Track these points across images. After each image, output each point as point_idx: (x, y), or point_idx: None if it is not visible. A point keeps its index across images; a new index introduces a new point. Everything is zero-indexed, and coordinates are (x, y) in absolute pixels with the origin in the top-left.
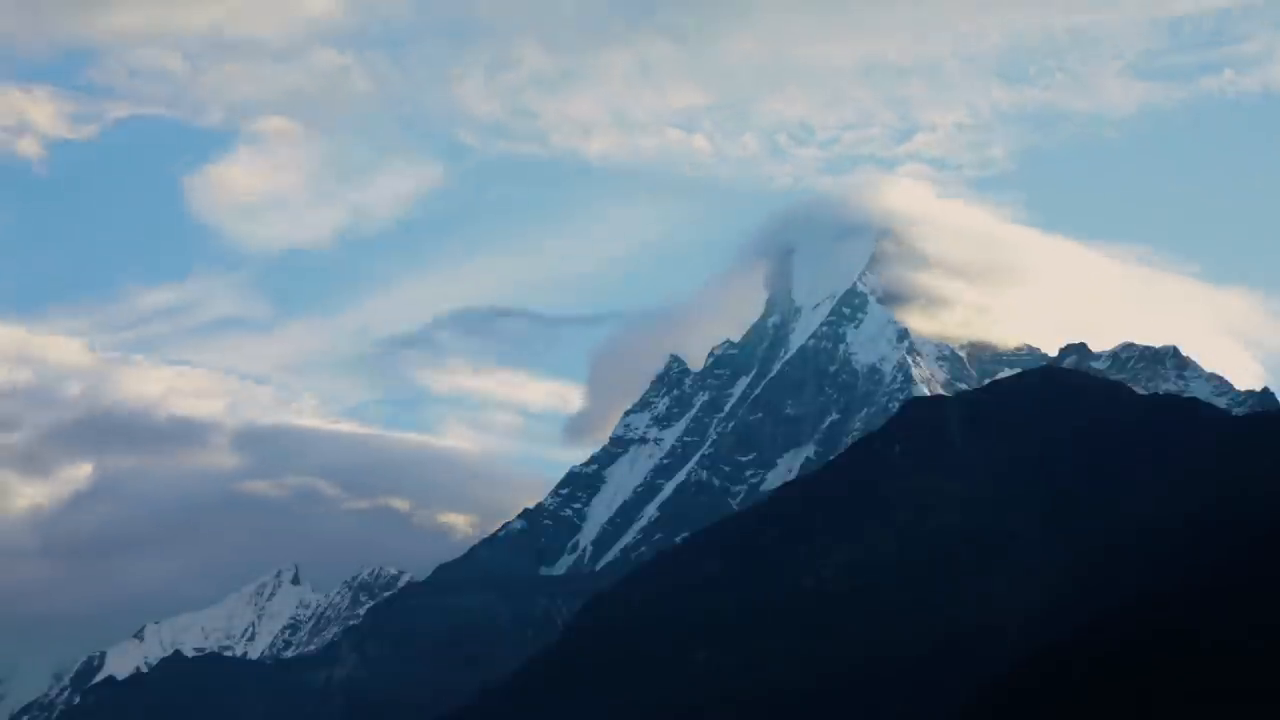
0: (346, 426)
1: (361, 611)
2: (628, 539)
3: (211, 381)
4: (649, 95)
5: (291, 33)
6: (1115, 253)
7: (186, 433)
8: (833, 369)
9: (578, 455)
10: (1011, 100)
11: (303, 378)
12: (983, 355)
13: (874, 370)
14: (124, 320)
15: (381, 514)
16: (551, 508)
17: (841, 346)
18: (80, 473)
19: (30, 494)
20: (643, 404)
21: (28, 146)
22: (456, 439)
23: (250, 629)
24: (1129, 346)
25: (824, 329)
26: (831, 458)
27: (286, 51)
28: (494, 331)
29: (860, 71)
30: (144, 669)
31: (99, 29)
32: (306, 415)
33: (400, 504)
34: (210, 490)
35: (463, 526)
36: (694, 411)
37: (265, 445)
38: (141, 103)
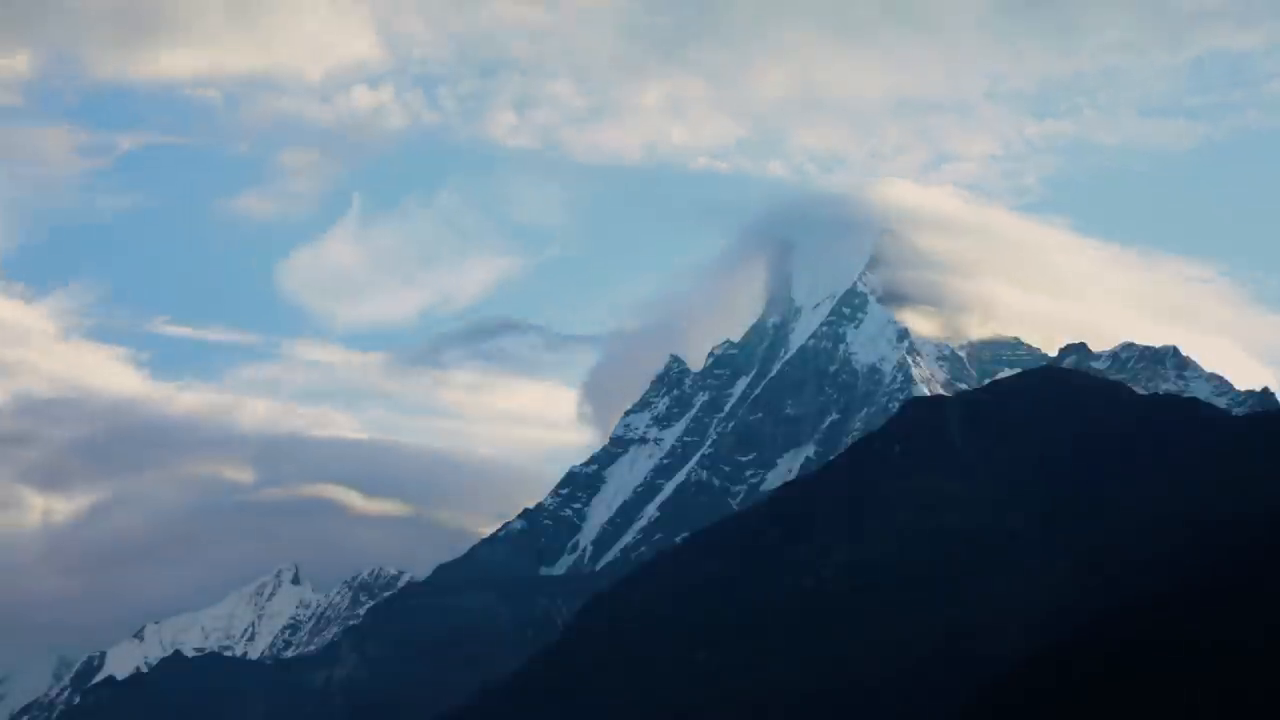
0: (359, 435)
1: (361, 611)
2: (628, 539)
3: (232, 398)
4: (680, 130)
5: (332, 71)
6: (1131, 260)
7: (204, 444)
8: (833, 369)
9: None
10: (1041, 133)
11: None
12: (983, 355)
13: (874, 370)
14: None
15: (395, 519)
16: (551, 508)
17: (841, 346)
18: (97, 486)
19: (47, 506)
20: (643, 404)
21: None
22: (473, 446)
23: (250, 629)
24: (1129, 346)
25: (824, 329)
26: (831, 458)
27: (327, 89)
28: (503, 342)
29: (891, 106)
30: (144, 669)
31: (147, 70)
32: (320, 426)
33: (415, 509)
34: (224, 500)
35: (479, 531)
36: (694, 411)
37: (280, 455)
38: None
